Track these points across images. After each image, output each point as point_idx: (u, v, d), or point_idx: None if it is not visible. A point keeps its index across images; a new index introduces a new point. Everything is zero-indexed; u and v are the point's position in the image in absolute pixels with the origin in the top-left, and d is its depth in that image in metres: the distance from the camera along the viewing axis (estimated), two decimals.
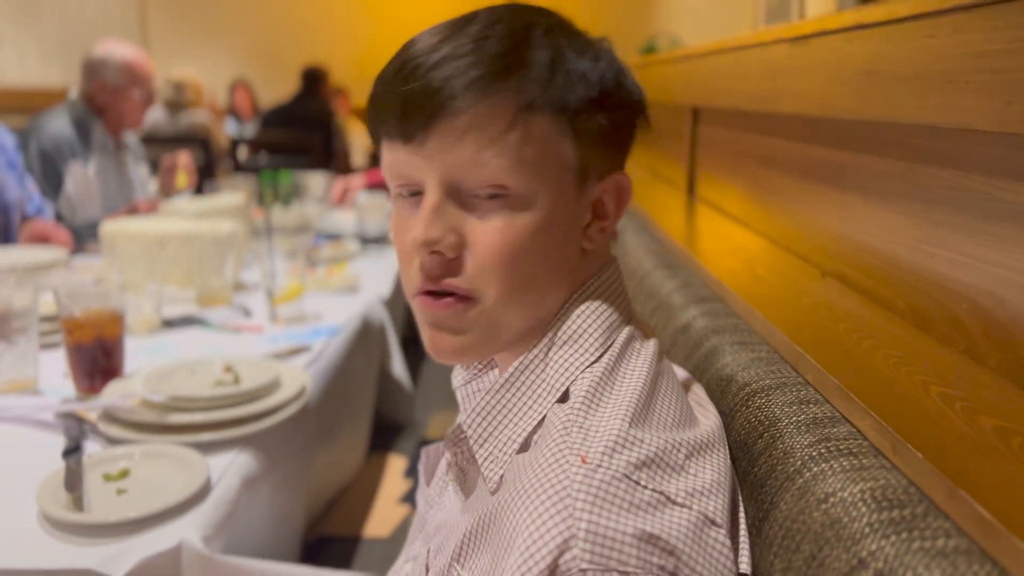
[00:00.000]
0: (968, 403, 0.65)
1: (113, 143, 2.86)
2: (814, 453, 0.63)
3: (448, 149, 0.64)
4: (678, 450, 0.61)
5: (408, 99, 0.64)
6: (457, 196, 0.66)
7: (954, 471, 0.53)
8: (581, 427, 0.60)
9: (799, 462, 0.63)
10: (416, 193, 0.68)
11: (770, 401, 0.73)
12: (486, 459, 0.67)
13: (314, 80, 5.50)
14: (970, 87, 0.72)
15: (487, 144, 0.63)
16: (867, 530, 0.52)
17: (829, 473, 0.59)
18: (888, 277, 0.92)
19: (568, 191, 0.68)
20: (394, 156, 0.67)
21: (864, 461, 0.60)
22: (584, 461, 0.56)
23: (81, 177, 2.68)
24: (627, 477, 0.56)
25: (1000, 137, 0.71)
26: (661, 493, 0.57)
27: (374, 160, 6.59)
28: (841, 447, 0.62)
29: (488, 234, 0.65)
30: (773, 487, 0.64)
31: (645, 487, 0.56)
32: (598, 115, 0.68)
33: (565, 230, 0.68)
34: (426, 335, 0.70)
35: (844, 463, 0.60)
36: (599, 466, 0.56)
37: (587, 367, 0.67)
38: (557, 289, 0.70)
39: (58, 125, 2.68)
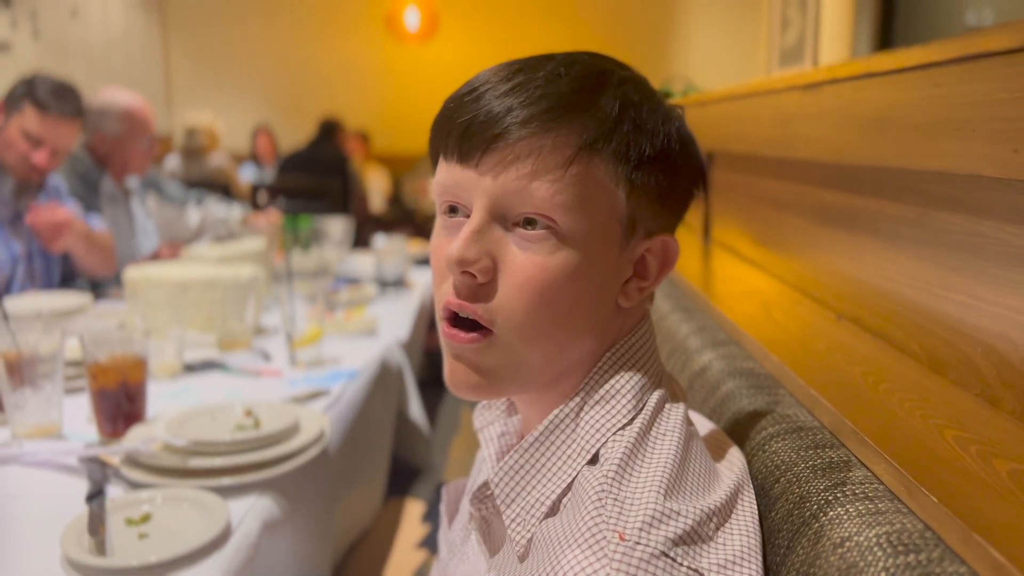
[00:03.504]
0: (983, 446, 0.65)
1: (120, 191, 2.83)
2: (830, 497, 0.63)
3: (502, 174, 0.64)
4: (710, 520, 0.61)
5: (471, 120, 0.65)
6: (502, 222, 0.66)
7: (970, 515, 0.53)
8: (616, 499, 0.59)
9: (815, 506, 0.63)
10: (462, 213, 0.68)
11: (786, 445, 0.74)
12: (513, 520, 0.66)
13: (329, 130, 5.59)
14: (977, 135, 0.73)
15: (542, 175, 0.63)
16: (883, 575, 0.52)
17: (845, 517, 0.60)
18: (903, 320, 0.93)
19: (613, 241, 0.67)
20: (448, 174, 0.68)
21: (880, 505, 0.60)
22: (622, 538, 0.56)
23: None
24: (664, 555, 0.56)
25: (1008, 184, 0.72)
26: (696, 571, 0.56)
27: (391, 205, 6.65)
28: (857, 491, 0.63)
29: (523, 265, 0.65)
30: (789, 532, 0.65)
31: (681, 564, 0.56)
32: (656, 172, 0.67)
33: (602, 280, 0.68)
34: (446, 365, 0.70)
35: (860, 507, 0.60)
36: (637, 543, 0.55)
37: (618, 430, 0.66)
38: (584, 339, 0.69)
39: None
